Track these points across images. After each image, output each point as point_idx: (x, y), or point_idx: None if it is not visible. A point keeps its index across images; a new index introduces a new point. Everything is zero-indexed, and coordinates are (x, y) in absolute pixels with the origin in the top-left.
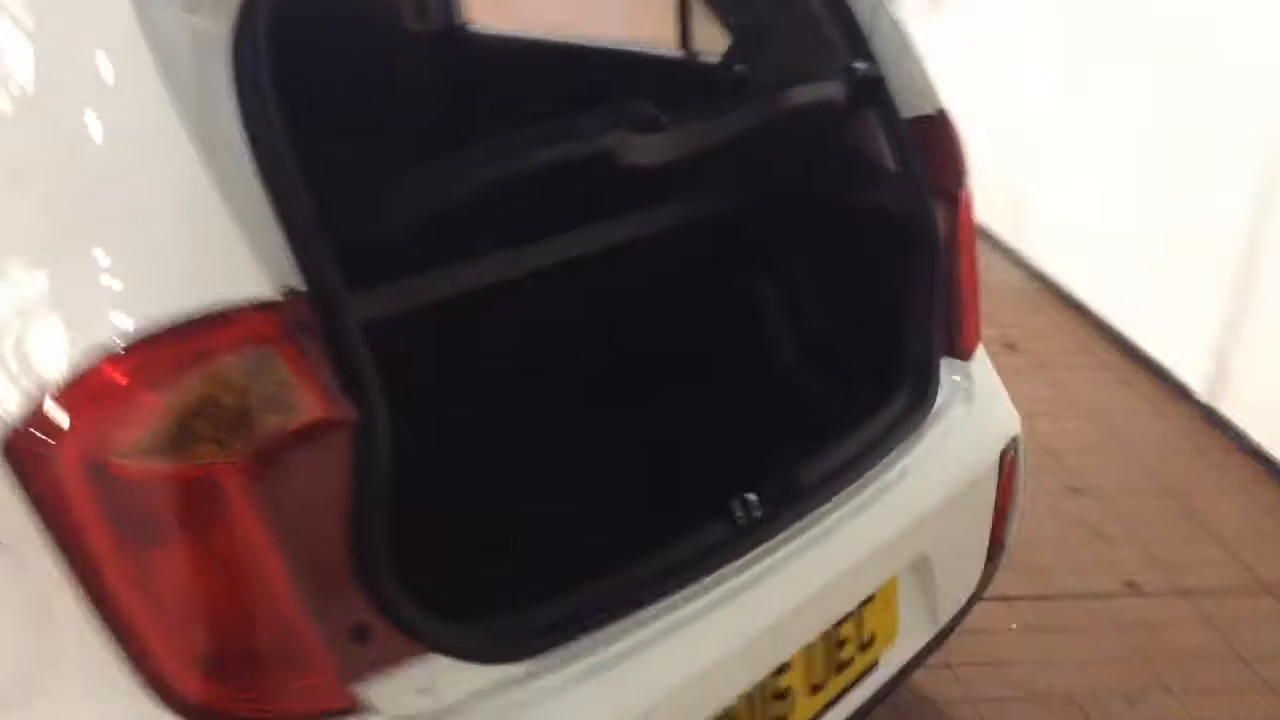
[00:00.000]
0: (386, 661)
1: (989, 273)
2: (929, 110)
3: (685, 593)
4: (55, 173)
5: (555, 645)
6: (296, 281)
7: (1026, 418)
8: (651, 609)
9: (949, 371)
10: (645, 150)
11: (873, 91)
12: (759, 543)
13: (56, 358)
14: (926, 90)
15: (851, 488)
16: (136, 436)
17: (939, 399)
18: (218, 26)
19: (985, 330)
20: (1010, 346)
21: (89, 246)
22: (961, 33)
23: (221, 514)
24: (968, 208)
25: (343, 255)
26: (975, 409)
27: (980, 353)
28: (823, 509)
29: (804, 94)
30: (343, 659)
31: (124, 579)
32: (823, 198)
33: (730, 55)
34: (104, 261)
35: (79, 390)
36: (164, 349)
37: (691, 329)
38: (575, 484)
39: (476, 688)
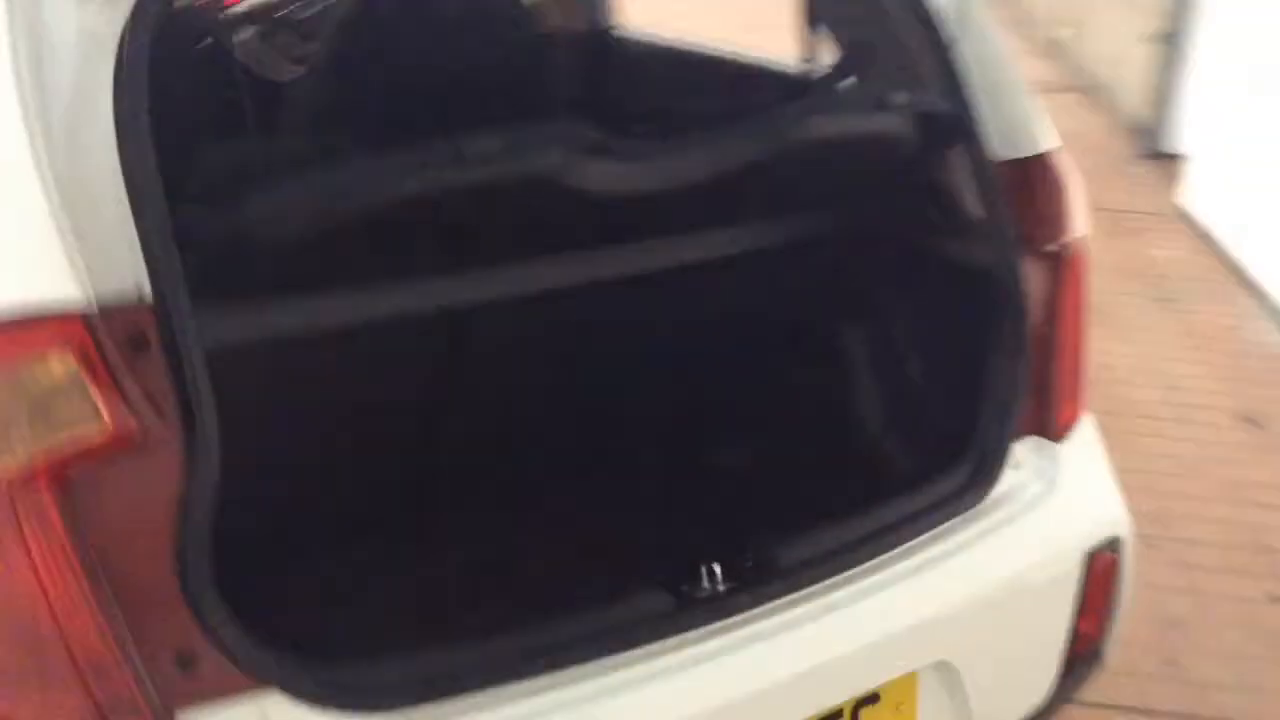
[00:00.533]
0: (217, 692)
1: (1238, 326)
2: (1029, 152)
3: (603, 663)
4: None
5: (415, 701)
6: (132, 291)
7: (1252, 506)
8: (557, 676)
9: (1032, 453)
10: (601, 177)
11: (948, 130)
12: (714, 618)
13: None
14: (1028, 128)
15: (853, 572)
16: None
17: (1002, 484)
18: (108, 25)
19: (1221, 399)
20: (1250, 420)
21: None
22: None
23: (11, 522)
24: (1076, 268)
25: (229, 265)
26: (1058, 500)
27: (1084, 436)
28: (811, 590)
29: (826, 126)
30: (165, 684)
31: None
32: (893, 241)
33: (838, 69)
34: None
35: None
36: None
37: (716, 372)
38: (507, 530)
39: None
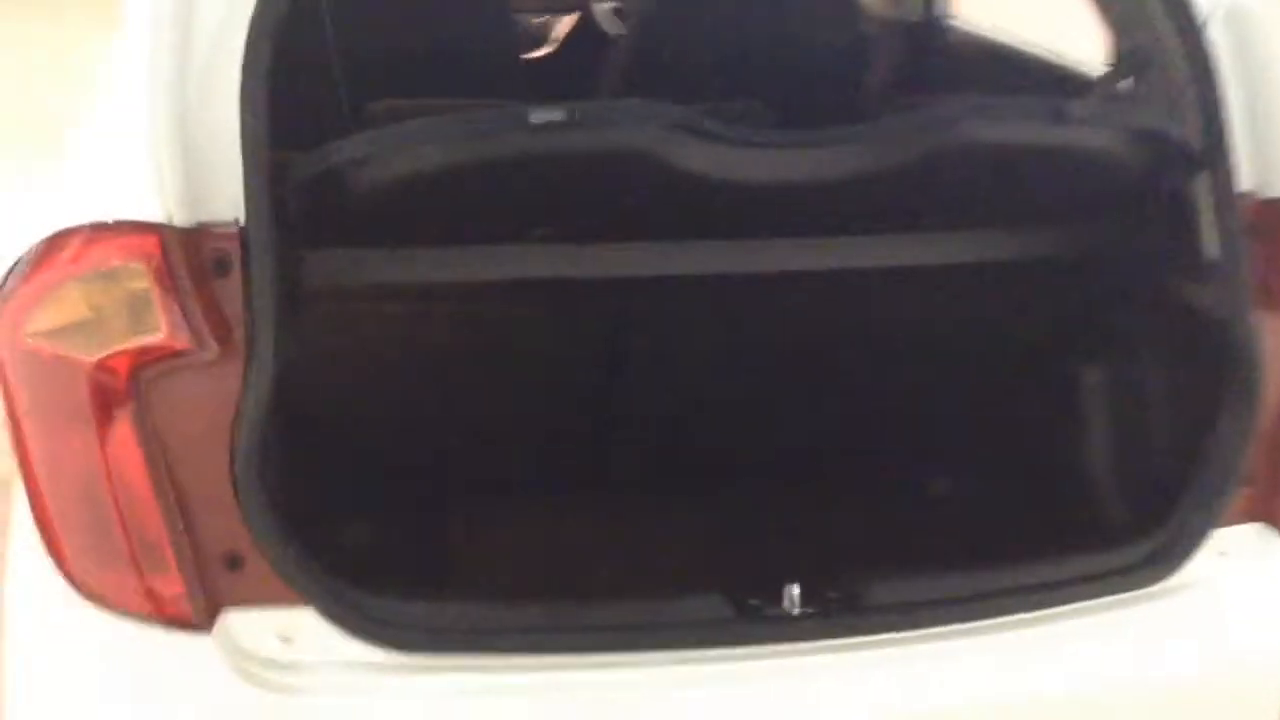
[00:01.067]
0: (259, 597)
1: None
2: None
3: (640, 656)
4: None
5: (437, 649)
6: (231, 219)
7: None
8: (587, 659)
9: (1252, 543)
10: (731, 163)
11: (1180, 155)
12: (778, 639)
13: (26, 241)
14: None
15: (966, 626)
16: (47, 317)
17: (1197, 570)
18: None
19: None
20: None
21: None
22: None
23: (100, 407)
24: None
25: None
26: (1269, 604)
27: None
28: (916, 636)
29: (989, 131)
30: (214, 580)
31: (33, 450)
32: (1108, 271)
33: (1114, 71)
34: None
35: (16, 269)
36: (81, 247)
37: (884, 387)
38: (598, 511)
39: (338, 657)
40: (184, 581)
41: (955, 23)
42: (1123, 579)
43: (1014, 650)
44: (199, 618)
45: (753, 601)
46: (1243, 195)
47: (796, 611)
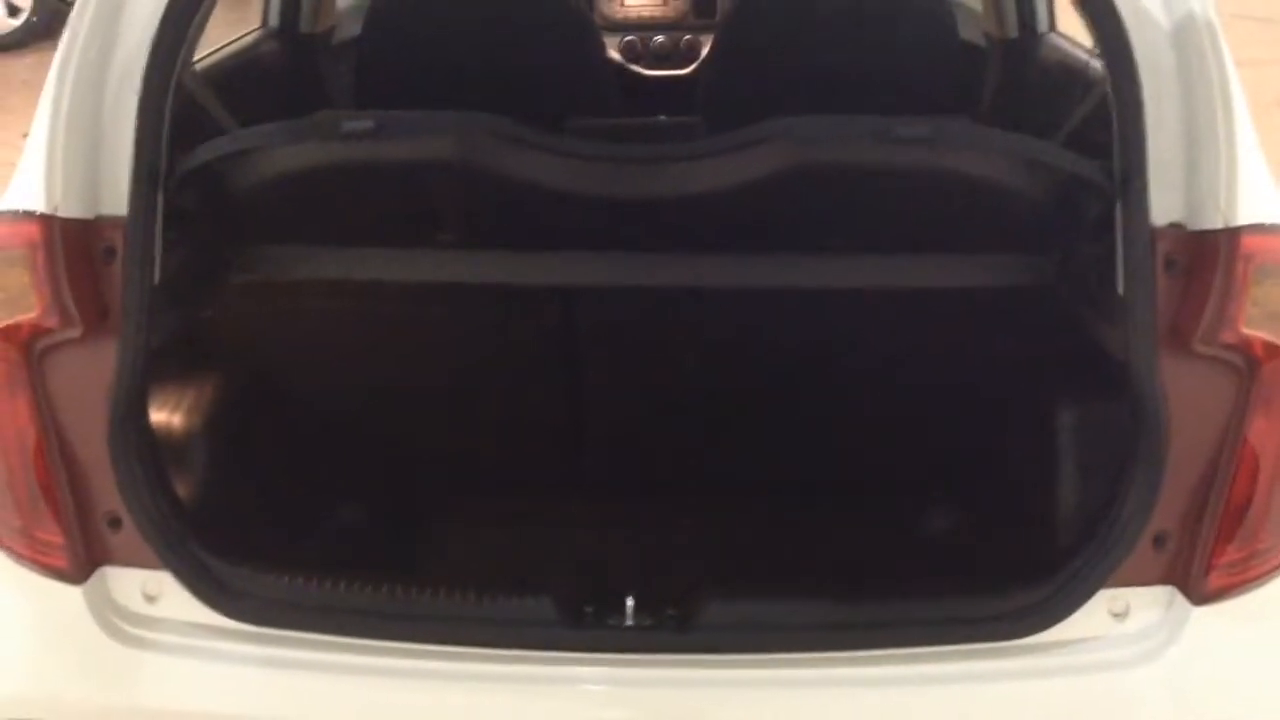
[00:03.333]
0: (135, 558)
1: None
2: (1209, 224)
3: (467, 651)
4: None
5: (269, 622)
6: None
7: None
8: (416, 648)
9: (1153, 608)
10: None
11: (1084, 184)
12: (606, 648)
13: None
14: (1222, 192)
15: (800, 657)
16: None
17: (1081, 628)
18: None
19: None
20: None
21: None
22: None
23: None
24: (1269, 382)
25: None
26: (1159, 676)
27: (1257, 610)
28: (755, 660)
29: (802, 152)
30: (95, 537)
31: None
32: (1012, 302)
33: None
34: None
35: None
36: None
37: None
38: (477, 506)
39: (196, 620)
40: (63, 534)
41: (1056, 37)
42: (992, 627)
43: (866, 689)
44: (74, 569)
45: (588, 609)
46: (1169, 227)
47: (629, 623)
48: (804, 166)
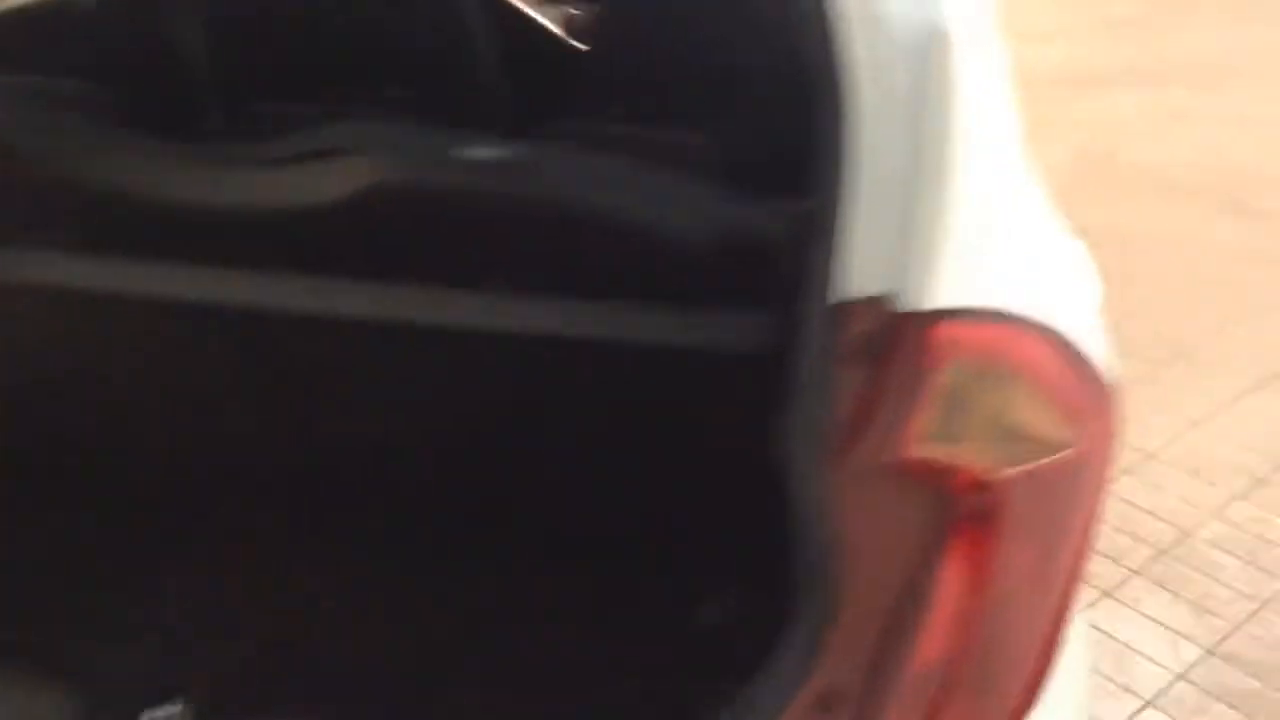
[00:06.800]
0: None
1: None
2: (912, 305)
3: None
4: None
5: None
6: None
7: None
8: None
9: None
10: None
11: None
12: None
13: None
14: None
15: None
16: None
17: None
18: None
19: None
20: None
21: None
22: None
23: None
24: (987, 516)
25: None
26: None
27: None
28: None
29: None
30: None
31: None
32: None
33: None
34: None
35: None
36: None
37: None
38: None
39: None
40: None
41: None
42: None
43: None
44: None
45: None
46: (871, 301)
47: None
48: (385, 189)
